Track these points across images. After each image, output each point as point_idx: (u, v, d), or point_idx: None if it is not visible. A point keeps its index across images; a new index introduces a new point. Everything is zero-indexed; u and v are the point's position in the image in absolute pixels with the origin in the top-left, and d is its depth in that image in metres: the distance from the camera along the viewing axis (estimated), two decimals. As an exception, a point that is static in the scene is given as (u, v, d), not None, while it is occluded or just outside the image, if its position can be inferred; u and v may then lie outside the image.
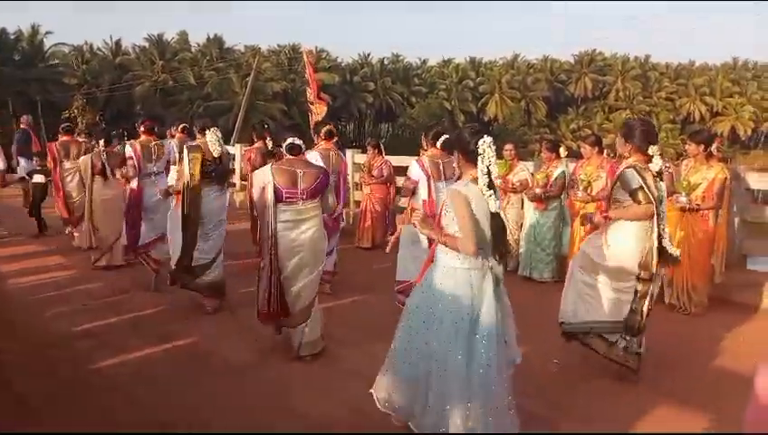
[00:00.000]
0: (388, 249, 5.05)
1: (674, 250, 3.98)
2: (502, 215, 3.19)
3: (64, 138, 8.54)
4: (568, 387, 4.13)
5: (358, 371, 4.34)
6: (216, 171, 5.52)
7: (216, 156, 5.50)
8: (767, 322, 5.51)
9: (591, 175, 6.22)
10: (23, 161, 11.63)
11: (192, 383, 4.16)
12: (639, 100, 65.73)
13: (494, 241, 3.13)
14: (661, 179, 3.96)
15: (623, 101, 65.58)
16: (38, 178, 9.17)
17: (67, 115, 28.25)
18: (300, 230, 4.40)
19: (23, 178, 10.75)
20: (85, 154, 7.96)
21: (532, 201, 6.85)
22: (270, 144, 7.34)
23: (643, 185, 3.88)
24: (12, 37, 40.50)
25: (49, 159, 8.46)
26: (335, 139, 9.21)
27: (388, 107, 60.60)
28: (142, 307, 5.74)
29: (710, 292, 5.67)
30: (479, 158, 3.09)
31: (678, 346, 4.87)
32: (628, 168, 3.97)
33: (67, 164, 8.30)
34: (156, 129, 7.03)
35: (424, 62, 68.33)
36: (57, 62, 43.39)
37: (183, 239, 5.40)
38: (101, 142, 7.65)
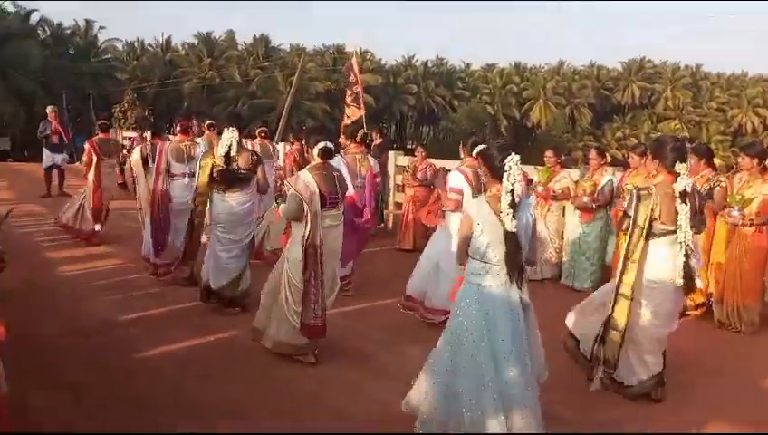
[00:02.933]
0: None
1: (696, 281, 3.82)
2: (523, 233, 3.21)
3: (101, 135, 8.69)
4: (602, 398, 4.05)
5: (388, 371, 4.40)
6: (219, 175, 5.28)
7: (220, 155, 5.27)
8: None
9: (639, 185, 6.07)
10: (45, 152, 11.87)
11: (232, 376, 4.24)
12: (689, 109, 64.00)
13: (508, 259, 3.14)
14: (684, 201, 3.71)
15: (672, 110, 64.00)
16: None
17: (118, 109, 29.08)
18: (333, 236, 4.45)
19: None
20: (119, 150, 8.15)
21: (580, 210, 6.72)
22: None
23: (632, 213, 3.78)
24: (67, 32, 41.77)
25: (85, 154, 8.48)
26: (379, 142, 9.26)
27: (431, 110, 60.45)
28: (184, 300, 5.84)
29: (762, 311, 5.47)
30: (505, 175, 3.11)
31: (724, 363, 4.74)
32: (635, 189, 3.89)
33: (105, 160, 8.39)
34: (191, 128, 7.04)
35: (468, 65, 67.96)
36: (110, 56, 44.52)
37: (186, 248, 5.82)
38: (149, 134, 7.79)
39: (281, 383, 4.17)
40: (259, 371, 4.34)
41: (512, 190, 3.09)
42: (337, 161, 5.95)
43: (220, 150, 5.31)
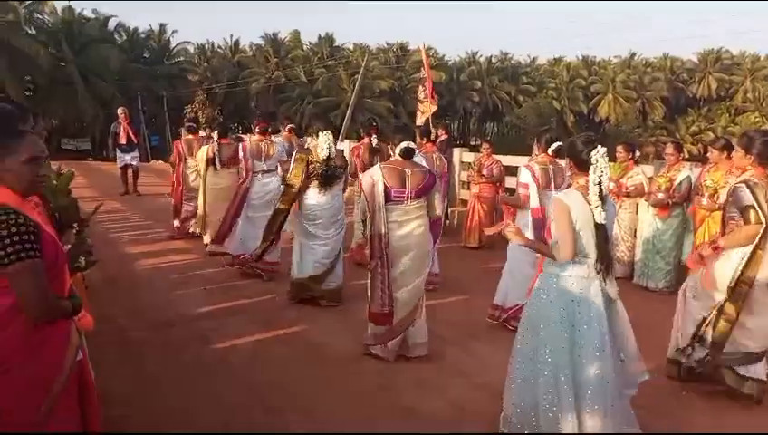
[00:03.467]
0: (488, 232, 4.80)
1: None
2: (608, 226, 3.16)
3: (188, 136, 9.08)
4: (679, 402, 3.90)
5: (460, 370, 4.39)
6: (322, 173, 5.60)
7: (323, 158, 5.59)
8: None
9: (719, 181, 5.79)
10: (117, 152, 12.30)
11: (303, 371, 4.30)
12: (770, 102, 60.67)
13: (598, 252, 3.11)
14: None
15: (752, 102, 60.79)
16: None
17: (190, 109, 30.16)
18: (407, 230, 4.43)
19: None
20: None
21: (654, 207, 6.48)
22: (375, 141, 7.24)
23: (754, 203, 3.70)
24: (142, 36, 43.60)
25: (173, 155, 8.96)
26: (444, 138, 9.26)
27: (495, 106, 59.63)
28: (256, 294, 6.01)
29: None
30: (591, 168, 3.08)
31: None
32: (739, 184, 3.82)
33: (190, 161, 8.68)
34: (269, 129, 7.20)
35: (533, 60, 66.63)
36: (182, 59, 46.19)
37: (266, 229, 5.90)
38: (215, 134, 8.08)
39: (350, 379, 4.20)
40: (330, 367, 4.39)
41: (599, 182, 3.06)
42: (419, 159, 6.05)
43: (322, 153, 5.61)
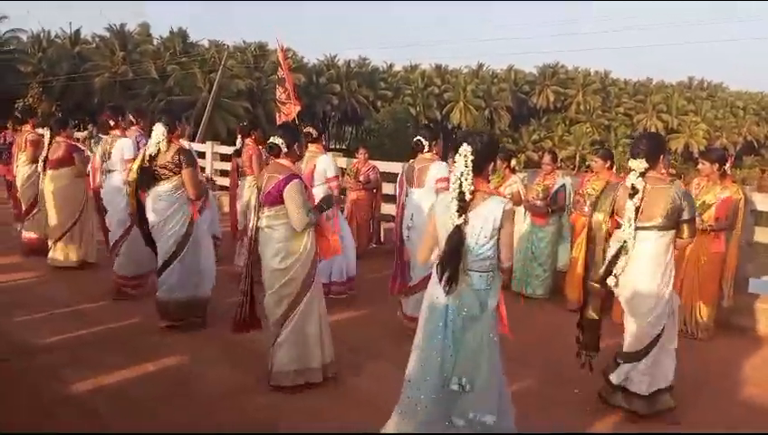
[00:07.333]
0: None
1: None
2: (464, 229, 2.93)
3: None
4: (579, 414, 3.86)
5: (360, 395, 4.01)
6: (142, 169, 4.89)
7: (148, 155, 4.85)
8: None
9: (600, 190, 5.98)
10: None
11: (182, 414, 3.69)
12: (599, 114, 67.16)
13: (445, 257, 2.93)
14: None
15: (583, 114, 66.86)
16: None
17: (22, 104, 27.08)
18: (264, 239, 3.95)
19: None
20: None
21: (533, 215, 6.58)
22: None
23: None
24: (-36, 20, 38.61)
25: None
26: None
27: (353, 110, 60.29)
28: (114, 318, 5.20)
29: (716, 316, 5.47)
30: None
31: (692, 374, 4.66)
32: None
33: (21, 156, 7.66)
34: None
35: (390, 66, 68.29)
36: (12, 48, 41.51)
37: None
38: (48, 132, 7.18)
39: (240, 418, 3.69)
40: (213, 404, 3.83)
41: (459, 182, 2.94)
42: (326, 161, 5.80)
43: (149, 149, 4.91)
